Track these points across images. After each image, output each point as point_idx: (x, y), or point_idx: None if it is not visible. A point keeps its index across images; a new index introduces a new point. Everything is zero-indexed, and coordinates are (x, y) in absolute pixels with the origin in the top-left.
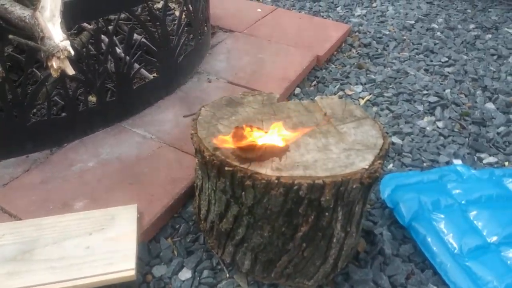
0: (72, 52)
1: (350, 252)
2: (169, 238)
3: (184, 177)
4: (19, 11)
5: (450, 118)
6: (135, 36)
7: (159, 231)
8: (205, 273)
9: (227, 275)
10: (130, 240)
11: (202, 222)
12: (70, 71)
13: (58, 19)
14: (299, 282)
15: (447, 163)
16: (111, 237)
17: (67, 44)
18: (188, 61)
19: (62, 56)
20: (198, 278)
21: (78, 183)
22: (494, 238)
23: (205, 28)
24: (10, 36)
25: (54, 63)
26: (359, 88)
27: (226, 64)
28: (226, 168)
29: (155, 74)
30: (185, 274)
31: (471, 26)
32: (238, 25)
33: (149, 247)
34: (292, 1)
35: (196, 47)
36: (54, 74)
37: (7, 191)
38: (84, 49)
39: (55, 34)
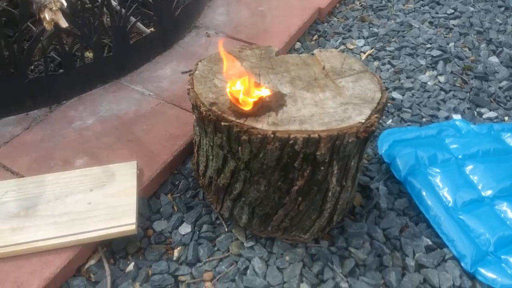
0: (65, 4)
1: (346, 206)
2: (169, 194)
3: (183, 134)
4: None
5: (452, 72)
6: None
7: (159, 188)
8: (204, 227)
9: (226, 229)
10: (131, 196)
11: (201, 178)
12: (63, 23)
13: None
14: (295, 236)
15: (447, 118)
16: (112, 193)
17: None
18: (186, 15)
19: (54, 8)
20: (197, 232)
21: (78, 140)
22: (489, 192)
23: None
24: None
25: (47, 15)
26: (361, 42)
27: (225, 18)
28: (223, 123)
29: (152, 29)
30: (185, 228)
31: None
32: None
33: (149, 203)
34: None
35: None
36: (47, 27)
37: (8, 149)
38: (79, 2)
39: None
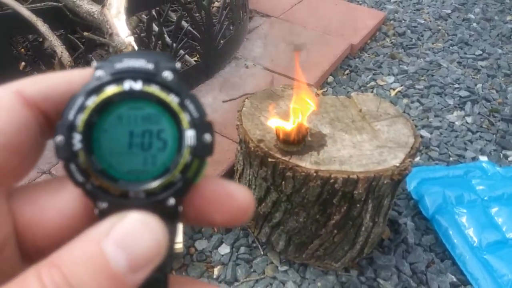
0: (136, 48)
1: (376, 239)
2: None
3: (224, 160)
4: (87, 6)
5: (479, 113)
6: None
7: None
8: (242, 249)
9: (262, 252)
10: None
11: None
12: None
13: (123, 16)
14: (327, 263)
15: (473, 158)
16: None
17: (131, 39)
18: (227, 47)
19: (126, 51)
20: (235, 253)
21: None
22: None
23: (244, 13)
24: (85, 34)
25: None
26: (391, 79)
27: (263, 50)
28: (269, 160)
29: (195, 58)
30: (224, 249)
31: (508, 17)
32: (274, 10)
33: None
34: None
35: (236, 32)
36: None
37: None
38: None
39: (122, 30)
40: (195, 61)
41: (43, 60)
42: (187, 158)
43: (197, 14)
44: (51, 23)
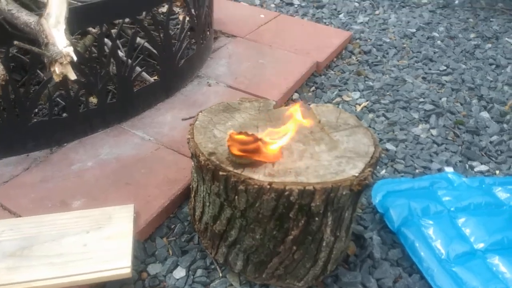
0: (75, 58)
1: (340, 255)
2: (164, 238)
3: (181, 179)
4: (25, 17)
5: (444, 126)
6: (138, 39)
7: (155, 231)
8: (199, 272)
9: (220, 274)
10: (126, 239)
11: (197, 223)
12: (72, 76)
13: (62, 26)
14: (290, 283)
15: (439, 170)
16: (108, 235)
17: (70, 50)
18: (189, 65)
19: (64, 62)
20: (192, 277)
21: (77, 182)
22: (481, 245)
23: (208, 33)
24: (15, 42)
25: (57, 69)
26: (356, 95)
27: (226, 69)
28: (220, 173)
29: (155, 77)
30: (180, 272)
31: (472, 35)
32: (240, 31)
33: (145, 245)
34: (296, 8)
35: (198, 51)
36: (57, 79)
37: (7, 189)
38: (87, 52)
39: (59, 40)
40: (154, 79)
41: None
42: None
43: (156, 33)
44: None
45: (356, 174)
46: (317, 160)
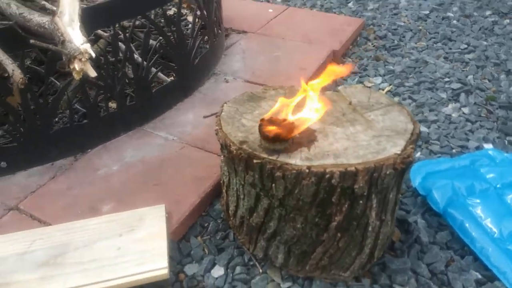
0: (93, 54)
1: (386, 241)
2: (198, 237)
3: (209, 176)
4: (38, 18)
5: (475, 103)
6: (151, 41)
7: (188, 230)
8: (238, 269)
9: (260, 270)
10: (161, 239)
11: (231, 218)
12: (92, 73)
13: (77, 24)
14: (335, 274)
15: (477, 148)
16: (141, 237)
17: (87, 46)
18: (204, 63)
19: (83, 59)
20: (231, 275)
21: (104, 187)
22: None
23: (219, 30)
24: (31, 41)
25: (76, 65)
26: (378, 80)
27: (242, 64)
28: (255, 161)
29: (172, 78)
30: (218, 271)
31: (487, 12)
32: (251, 26)
33: (179, 246)
34: (303, 0)
35: (211, 48)
36: (77, 77)
37: (35, 199)
38: (102, 57)
39: (75, 37)
40: (171, 80)
41: None
42: None
43: (168, 32)
44: (5, 44)
45: (399, 152)
46: (354, 141)
